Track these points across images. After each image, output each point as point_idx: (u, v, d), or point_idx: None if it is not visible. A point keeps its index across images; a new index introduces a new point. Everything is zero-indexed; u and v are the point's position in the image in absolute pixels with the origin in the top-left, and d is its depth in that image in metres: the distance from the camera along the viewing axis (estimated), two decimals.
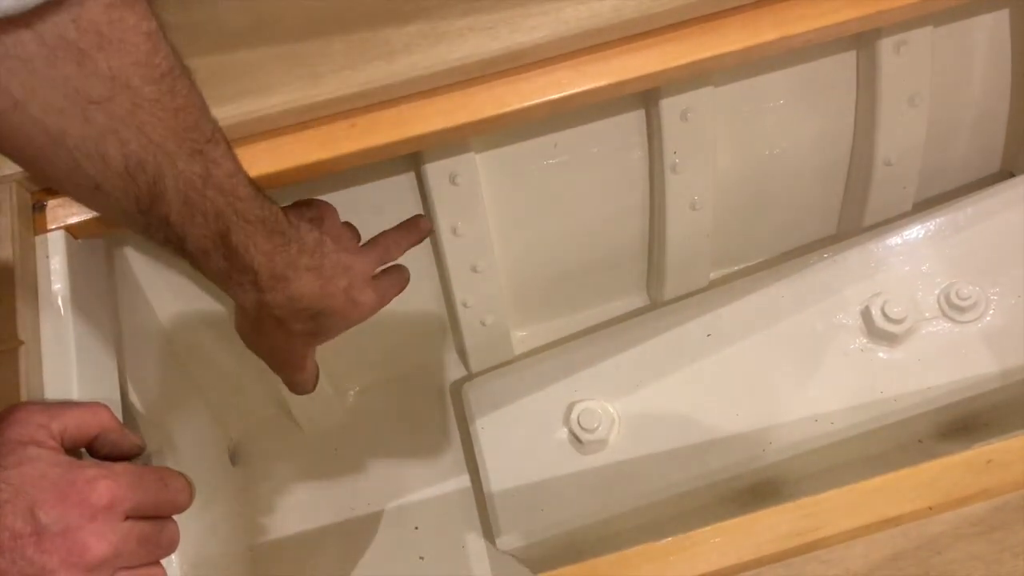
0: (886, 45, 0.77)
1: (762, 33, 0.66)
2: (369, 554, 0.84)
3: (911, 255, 0.80)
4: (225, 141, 0.46)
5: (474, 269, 0.82)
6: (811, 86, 0.81)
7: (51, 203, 0.62)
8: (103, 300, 0.66)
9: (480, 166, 0.77)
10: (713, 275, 0.93)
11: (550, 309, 0.92)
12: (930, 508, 0.49)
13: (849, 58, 0.80)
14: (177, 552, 0.47)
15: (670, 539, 0.50)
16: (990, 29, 0.82)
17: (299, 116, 0.64)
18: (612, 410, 0.78)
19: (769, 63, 0.78)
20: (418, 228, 0.62)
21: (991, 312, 0.77)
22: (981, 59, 0.84)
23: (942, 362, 0.76)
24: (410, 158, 0.75)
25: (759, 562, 0.49)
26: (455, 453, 0.88)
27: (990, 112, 0.88)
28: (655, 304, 0.92)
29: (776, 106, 0.81)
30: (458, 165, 0.75)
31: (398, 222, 0.80)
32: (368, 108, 0.65)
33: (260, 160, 0.63)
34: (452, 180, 0.75)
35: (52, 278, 0.60)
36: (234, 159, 0.47)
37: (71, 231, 0.62)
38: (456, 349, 0.92)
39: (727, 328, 0.80)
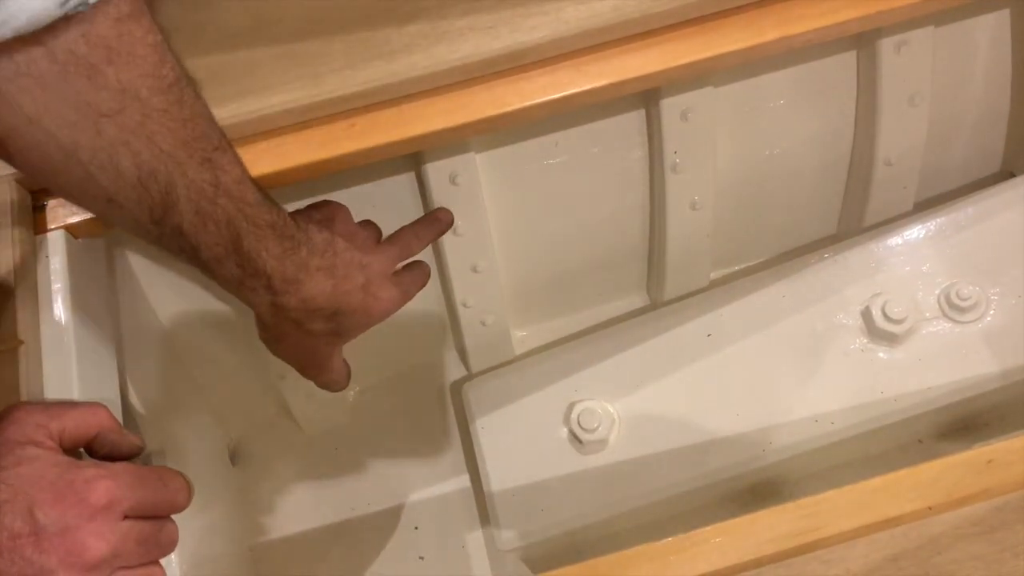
0: (887, 45, 0.77)
1: (762, 33, 0.66)
2: (369, 554, 0.84)
3: (911, 255, 0.80)
4: (231, 148, 0.47)
5: (474, 269, 0.82)
6: (811, 86, 0.80)
7: (51, 203, 0.62)
8: (103, 300, 0.66)
9: (480, 166, 0.77)
10: (713, 275, 0.93)
11: (550, 309, 0.92)
12: (930, 508, 0.49)
13: (850, 58, 0.80)
14: (177, 552, 0.47)
15: (670, 539, 0.49)
16: (991, 29, 0.82)
17: (299, 116, 0.64)
18: (612, 410, 0.78)
19: (769, 63, 0.78)
20: (439, 220, 0.62)
21: (991, 312, 0.77)
22: (982, 59, 0.84)
23: (942, 362, 0.76)
24: (410, 158, 0.75)
25: (759, 562, 0.48)
26: (455, 453, 0.88)
27: (991, 112, 0.88)
28: (655, 304, 0.92)
29: (776, 106, 0.81)
30: (458, 165, 0.75)
31: (398, 222, 0.80)
32: (368, 108, 0.65)
33: (260, 160, 0.63)
34: (452, 180, 0.75)
35: (52, 278, 0.60)
36: (241, 165, 0.47)
37: (71, 231, 0.62)
38: (456, 349, 0.92)
39: (727, 328, 0.80)
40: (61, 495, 0.39)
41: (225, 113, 0.63)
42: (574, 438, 0.77)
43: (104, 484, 0.40)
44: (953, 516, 0.49)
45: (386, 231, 0.80)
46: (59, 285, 0.60)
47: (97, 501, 0.39)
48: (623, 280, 0.92)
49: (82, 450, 0.45)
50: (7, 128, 0.40)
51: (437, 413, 0.91)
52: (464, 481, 0.86)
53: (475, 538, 0.84)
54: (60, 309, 0.59)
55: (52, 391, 0.56)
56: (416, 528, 0.85)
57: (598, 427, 0.76)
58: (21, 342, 0.55)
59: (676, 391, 0.78)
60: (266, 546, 0.85)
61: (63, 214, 0.62)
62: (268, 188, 0.63)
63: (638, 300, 0.94)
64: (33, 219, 0.62)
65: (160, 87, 0.42)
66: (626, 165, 0.82)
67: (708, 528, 0.50)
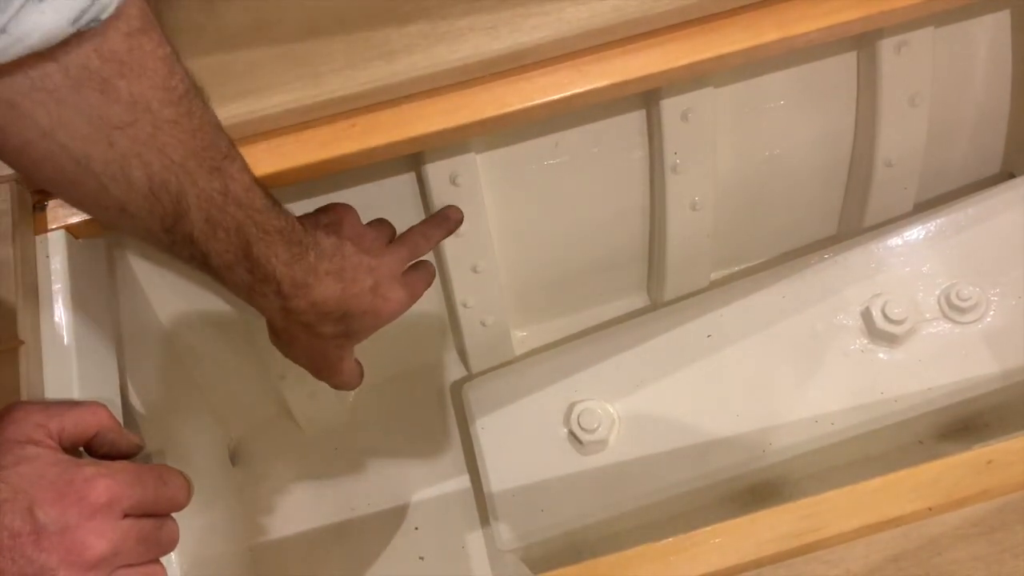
0: (887, 46, 0.77)
1: (763, 34, 0.66)
2: (369, 554, 0.84)
3: (912, 256, 0.80)
4: (240, 156, 0.48)
5: (474, 269, 0.82)
6: (812, 87, 0.80)
7: (51, 203, 0.62)
8: (103, 300, 0.66)
9: (481, 166, 0.77)
10: (714, 275, 0.93)
11: (550, 309, 0.92)
12: (930, 509, 0.49)
13: (850, 59, 0.80)
14: (177, 552, 0.47)
15: (670, 540, 0.49)
16: (991, 30, 0.82)
17: (300, 116, 0.64)
18: (612, 410, 0.78)
19: (770, 63, 0.78)
20: (448, 219, 0.63)
21: (991, 313, 0.77)
22: (982, 60, 0.84)
23: (942, 363, 0.76)
24: (411, 158, 0.75)
25: (759, 563, 0.48)
26: (455, 453, 0.88)
27: (991, 113, 0.88)
28: (655, 304, 0.92)
29: (777, 106, 0.81)
30: (459, 165, 0.75)
31: (398, 222, 0.80)
32: (369, 108, 0.65)
33: (261, 160, 0.63)
34: (452, 180, 0.75)
35: (52, 278, 0.60)
36: (250, 173, 0.48)
37: (71, 231, 0.62)
38: (456, 349, 0.92)
39: (727, 329, 0.80)
40: (61, 494, 0.39)
41: (225, 113, 0.63)
42: (574, 438, 0.77)
43: (104, 482, 0.40)
44: (953, 517, 0.49)
45: None
46: (59, 285, 0.60)
47: (97, 499, 0.39)
48: (623, 280, 0.92)
49: (82, 449, 0.45)
50: (22, 141, 0.40)
51: (437, 413, 0.91)
52: (464, 481, 0.86)
53: (475, 538, 0.84)
54: (60, 309, 0.59)
55: (52, 391, 0.56)
56: (416, 528, 0.85)
57: (598, 427, 0.76)
58: (21, 342, 0.55)
59: (676, 392, 0.78)
60: (266, 546, 0.85)
61: (63, 214, 0.62)
62: (269, 188, 0.63)
63: (638, 301, 0.94)
64: (33, 219, 0.62)
65: (170, 99, 0.42)
66: (626, 165, 0.82)
67: (708, 528, 0.50)
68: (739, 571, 0.49)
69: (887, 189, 0.86)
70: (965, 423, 0.80)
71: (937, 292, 0.78)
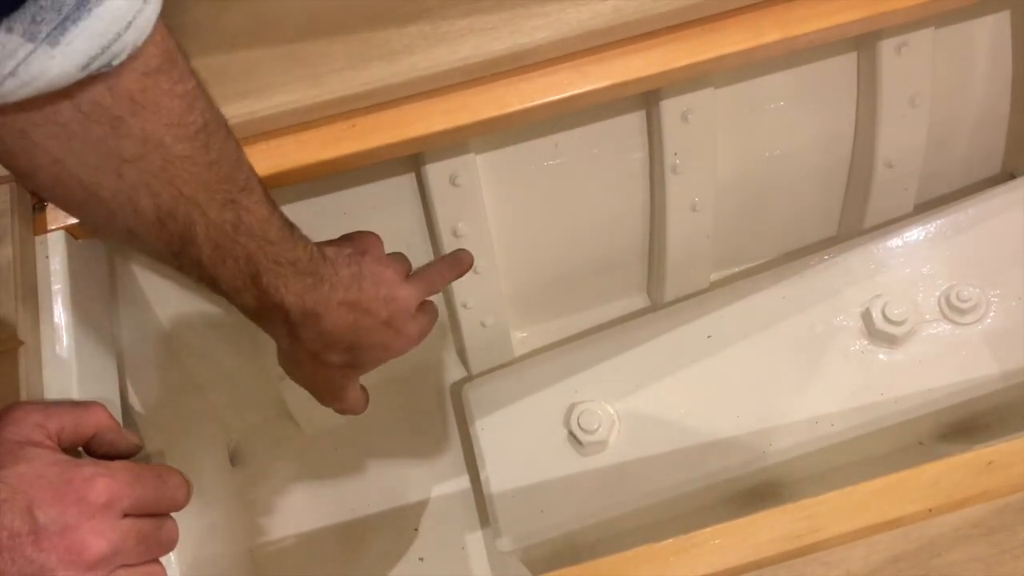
0: (887, 46, 0.77)
1: (763, 35, 0.66)
2: (369, 555, 0.84)
3: (912, 257, 0.80)
4: (260, 186, 0.47)
5: (474, 270, 0.82)
6: (812, 87, 0.81)
7: (51, 204, 0.62)
8: (103, 300, 0.66)
9: (480, 167, 0.77)
10: (714, 276, 0.93)
11: (550, 310, 0.92)
12: (930, 510, 0.49)
13: (850, 59, 0.80)
14: (176, 552, 0.47)
15: (670, 540, 0.49)
16: (991, 31, 0.82)
17: (300, 117, 0.64)
18: (612, 411, 0.78)
19: (770, 64, 0.78)
20: (461, 262, 0.62)
21: (992, 314, 0.77)
22: (982, 61, 0.84)
23: (942, 364, 0.76)
24: (411, 159, 0.75)
25: (759, 564, 0.48)
26: (455, 454, 0.88)
27: (991, 114, 0.88)
28: (656, 305, 0.92)
29: (777, 107, 0.81)
30: (458, 166, 0.75)
31: (398, 222, 0.80)
32: (369, 109, 0.65)
33: (260, 161, 0.63)
34: (452, 181, 0.75)
35: (52, 278, 0.60)
36: (268, 203, 0.48)
37: (71, 232, 0.62)
38: (456, 350, 0.92)
39: (727, 329, 0.80)
40: (60, 494, 0.39)
41: (225, 114, 0.63)
42: (574, 439, 0.77)
43: (103, 482, 0.40)
44: (953, 518, 0.49)
45: (386, 232, 0.80)
46: (59, 286, 0.60)
47: (96, 499, 0.39)
48: (623, 281, 0.92)
49: (81, 449, 0.45)
50: (33, 166, 0.41)
51: (437, 414, 0.91)
52: (464, 482, 0.86)
53: (475, 539, 0.84)
54: (60, 310, 0.59)
55: (52, 391, 0.56)
56: (416, 529, 0.85)
57: (598, 428, 0.76)
58: (21, 342, 0.55)
59: (676, 392, 0.78)
60: (266, 547, 0.85)
61: (63, 215, 0.62)
62: (268, 189, 0.63)
63: (638, 301, 0.94)
64: (33, 220, 0.61)
65: (185, 134, 0.42)
66: (626, 166, 0.82)
67: (708, 529, 0.50)
68: (739, 572, 0.49)
69: (887, 190, 0.86)
70: (965, 424, 0.80)
71: (937, 293, 0.78)
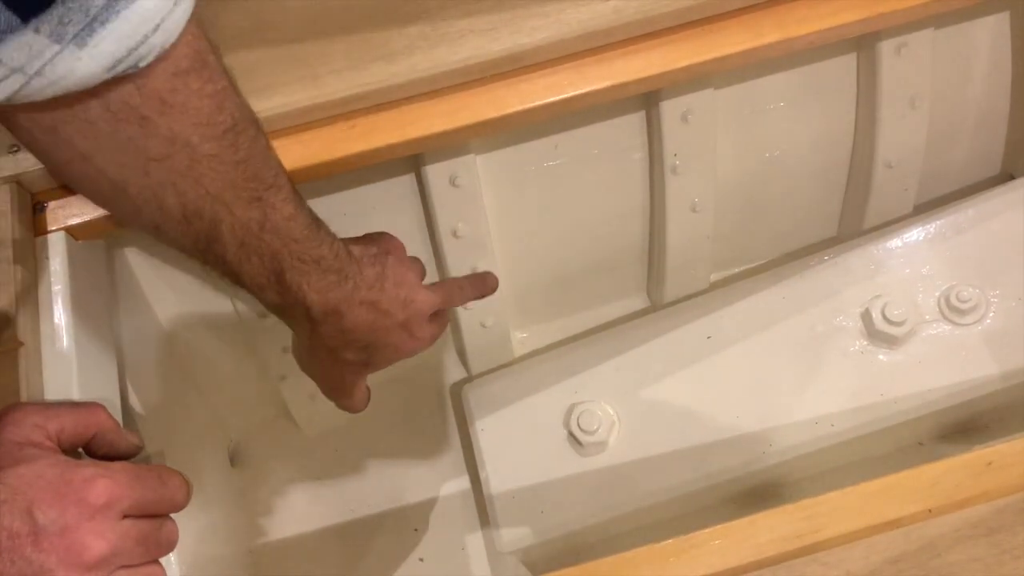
0: (887, 47, 0.77)
1: (763, 35, 0.66)
2: (369, 555, 0.84)
3: (911, 257, 0.80)
4: (288, 183, 0.48)
5: (474, 271, 0.82)
6: (812, 88, 0.81)
7: (51, 204, 0.62)
8: (103, 301, 0.66)
9: (480, 168, 0.77)
10: (713, 277, 0.93)
11: (550, 311, 0.92)
12: (930, 510, 0.49)
13: (850, 60, 0.80)
14: (176, 553, 0.47)
15: (670, 541, 0.49)
16: (991, 31, 0.82)
17: (300, 117, 0.64)
18: (612, 412, 0.78)
19: (770, 65, 0.78)
20: (485, 284, 0.63)
21: (991, 314, 0.77)
22: (982, 61, 0.84)
23: (942, 364, 0.76)
24: (410, 160, 0.75)
25: (759, 564, 0.48)
26: (455, 454, 0.88)
27: (991, 114, 0.88)
28: (655, 306, 0.92)
29: (777, 108, 0.81)
30: (458, 167, 0.75)
31: (398, 223, 0.80)
32: (368, 110, 0.65)
33: None
34: (452, 182, 0.75)
35: (52, 279, 0.60)
36: (295, 200, 0.48)
37: (71, 232, 0.62)
38: (456, 350, 0.92)
39: (727, 330, 0.80)
40: (60, 495, 0.39)
41: None
42: (574, 440, 0.77)
43: (103, 483, 0.40)
44: (953, 518, 0.49)
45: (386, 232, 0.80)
46: (59, 286, 0.60)
47: (96, 500, 0.39)
48: (623, 282, 0.92)
49: (81, 450, 0.45)
50: (62, 161, 0.41)
51: (437, 415, 0.91)
52: (464, 483, 0.86)
53: (475, 540, 0.84)
54: (60, 310, 0.59)
55: (52, 392, 0.56)
56: (416, 530, 0.85)
57: (598, 429, 0.76)
58: (21, 343, 0.55)
59: (676, 393, 0.78)
60: (265, 547, 0.85)
61: (63, 216, 0.62)
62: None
63: (638, 302, 0.94)
64: (33, 221, 0.62)
65: (213, 134, 0.42)
66: (626, 167, 0.82)
67: (708, 530, 0.50)
68: (739, 573, 0.49)
69: (887, 190, 0.86)
70: (965, 425, 0.80)
71: (937, 294, 0.78)
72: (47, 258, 0.60)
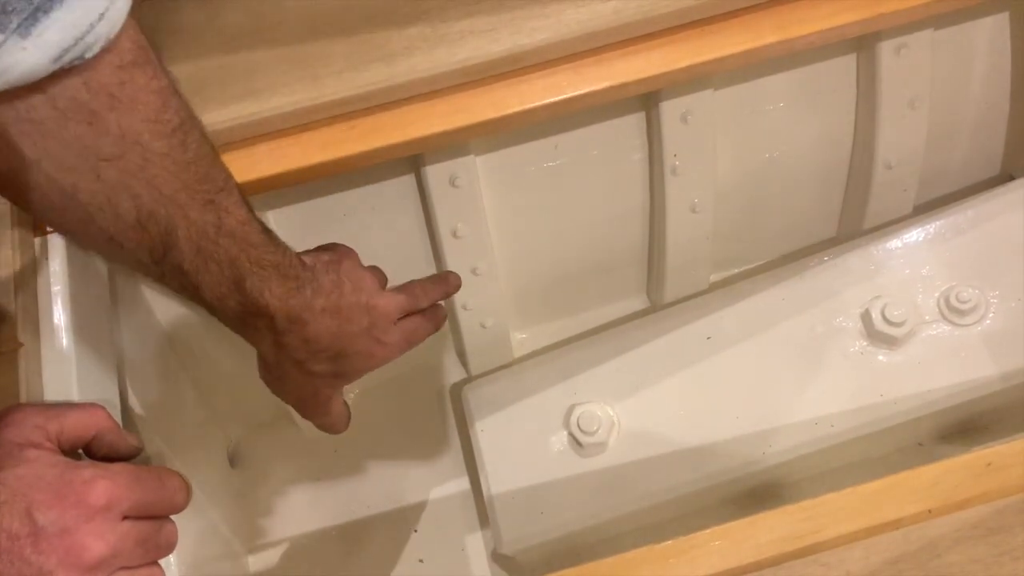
0: (886, 48, 0.77)
1: (763, 36, 0.66)
2: (368, 556, 0.84)
3: (911, 258, 0.80)
4: (237, 189, 0.47)
5: (474, 271, 0.82)
6: (811, 89, 0.81)
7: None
8: (103, 302, 0.66)
9: (480, 168, 0.77)
10: (713, 278, 0.93)
11: (550, 311, 0.92)
12: (930, 511, 0.49)
13: (849, 61, 0.80)
14: (176, 553, 0.47)
15: (670, 542, 0.49)
16: (990, 32, 0.82)
17: (299, 118, 0.64)
18: (612, 413, 0.78)
19: (769, 66, 0.78)
20: (447, 283, 0.63)
21: (991, 315, 0.77)
22: (981, 62, 0.84)
23: (942, 365, 0.76)
24: (410, 160, 0.75)
25: (759, 565, 0.48)
26: (455, 455, 0.88)
27: (990, 115, 0.88)
28: (655, 307, 0.92)
29: (776, 109, 0.81)
30: (458, 167, 0.75)
31: (398, 223, 0.80)
32: (368, 110, 0.65)
33: (260, 162, 0.63)
34: (452, 182, 0.75)
35: (52, 280, 0.60)
36: (246, 206, 0.48)
37: None
38: (456, 351, 0.92)
39: (727, 331, 0.80)
40: (60, 496, 0.39)
41: (225, 116, 0.63)
42: (574, 441, 0.77)
43: (103, 484, 0.40)
44: (953, 519, 0.49)
45: (386, 233, 0.80)
46: (59, 287, 0.60)
47: (96, 501, 0.39)
48: (623, 283, 0.92)
49: (80, 451, 0.45)
50: (7, 169, 0.40)
51: (437, 416, 0.91)
52: (464, 483, 0.86)
53: (474, 541, 0.84)
54: (59, 311, 0.59)
55: (52, 393, 0.56)
56: (415, 531, 0.85)
57: (598, 430, 0.76)
58: (21, 344, 0.55)
59: (676, 394, 0.78)
60: (266, 547, 0.85)
61: None
62: (268, 191, 0.63)
63: (638, 303, 0.94)
64: (33, 221, 0.61)
65: (163, 131, 0.42)
66: (626, 168, 0.82)
67: (707, 531, 0.50)
68: (739, 573, 0.49)
69: (887, 191, 0.86)
70: (964, 425, 0.80)
71: (936, 294, 0.78)
72: (46, 259, 0.60)
